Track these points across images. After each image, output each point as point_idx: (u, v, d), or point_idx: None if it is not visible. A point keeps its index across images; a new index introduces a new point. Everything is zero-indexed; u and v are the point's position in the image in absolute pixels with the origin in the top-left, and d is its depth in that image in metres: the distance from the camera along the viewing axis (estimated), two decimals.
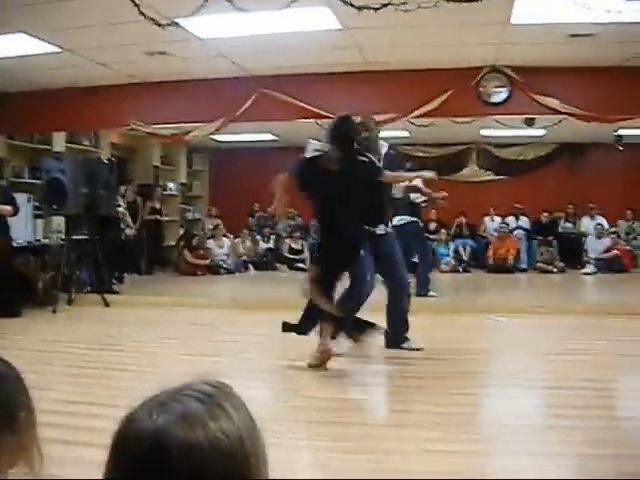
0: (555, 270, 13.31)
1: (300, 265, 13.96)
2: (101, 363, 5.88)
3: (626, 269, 13.20)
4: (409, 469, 3.40)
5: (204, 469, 0.87)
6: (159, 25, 6.65)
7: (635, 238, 14.32)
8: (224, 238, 14.05)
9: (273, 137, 13.89)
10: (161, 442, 0.87)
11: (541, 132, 12.53)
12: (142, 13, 6.30)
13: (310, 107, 9.06)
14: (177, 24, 6.86)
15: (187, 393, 0.94)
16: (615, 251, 13.33)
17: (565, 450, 3.68)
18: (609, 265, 13.14)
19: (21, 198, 9.21)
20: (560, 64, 8.27)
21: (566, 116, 8.61)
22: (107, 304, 9.09)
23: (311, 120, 9.33)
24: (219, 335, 7.71)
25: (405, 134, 13.17)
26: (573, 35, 7.23)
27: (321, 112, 9.04)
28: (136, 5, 6.13)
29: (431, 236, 14.41)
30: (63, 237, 9.30)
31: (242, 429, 0.93)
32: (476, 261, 14.22)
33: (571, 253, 13.88)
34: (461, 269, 13.68)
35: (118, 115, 9.77)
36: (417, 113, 8.81)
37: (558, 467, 3.46)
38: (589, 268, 13.08)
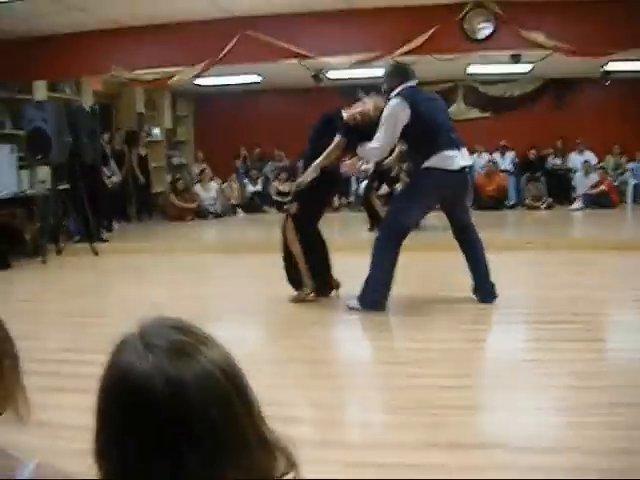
0: (543, 206, 13.33)
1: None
2: (90, 311, 5.92)
3: (614, 204, 13.24)
4: (399, 405, 3.47)
5: (216, 394, 0.90)
6: None
7: (622, 174, 14.33)
8: (211, 182, 13.98)
9: (258, 78, 13.72)
10: (170, 381, 0.88)
11: (528, 68, 12.40)
12: None
13: (294, 48, 8.94)
14: None
15: (163, 330, 0.95)
16: (603, 187, 13.34)
17: (552, 382, 3.75)
18: (597, 201, 13.16)
19: (4, 149, 9.13)
20: None
21: (552, 51, 8.53)
22: (96, 253, 9.10)
23: (295, 61, 9.22)
24: (207, 279, 7.75)
25: None
26: None
27: (305, 53, 8.94)
28: None
29: None
30: (49, 187, 9.24)
31: (230, 365, 0.95)
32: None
33: (559, 189, 13.89)
34: None
35: (99, 61, 9.61)
36: (401, 51, 8.70)
37: (545, 400, 3.53)
38: (577, 204, 13.10)
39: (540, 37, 8.19)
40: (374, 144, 5.30)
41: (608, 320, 5.54)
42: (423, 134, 5.23)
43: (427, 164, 5.22)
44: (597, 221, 11.69)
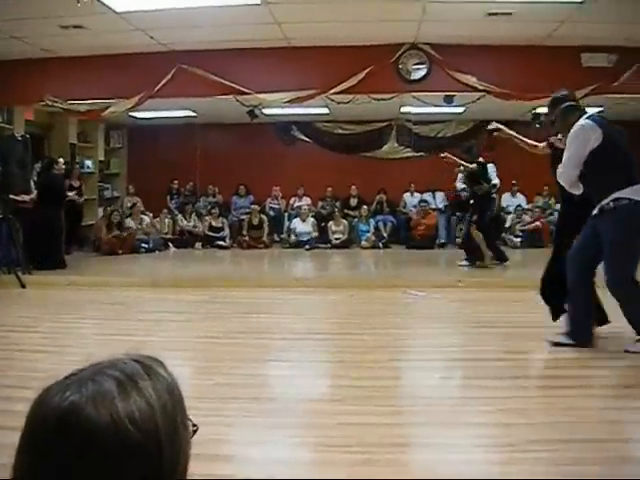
0: None
1: (220, 243, 13.91)
2: (17, 345, 5.74)
3: (544, 244, 13.61)
4: (329, 443, 3.44)
5: (108, 452, 0.85)
6: None
7: (552, 214, 14.71)
8: (143, 216, 13.84)
9: (192, 113, 13.69)
10: (65, 422, 0.85)
11: (460, 109, 12.70)
12: None
13: (229, 83, 8.97)
14: None
15: (107, 372, 0.91)
16: (538, 223, 13.84)
17: (481, 420, 3.77)
18: (531, 240, 13.60)
19: None
20: (479, 42, 8.39)
21: (484, 93, 8.75)
22: (23, 285, 8.86)
23: (230, 96, 9.24)
24: (139, 314, 7.62)
25: (325, 111, 13.18)
26: (491, 14, 7.33)
27: (240, 88, 8.97)
28: None
29: (351, 212, 14.58)
30: None
31: (158, 415, 0.90)
32: (396, 237, 14.39)
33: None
34: (381, 245, 13.82)
35: (33, 90, 9.48)
36: (336, 89, 8.82)
37: (475, 437, 3.55)
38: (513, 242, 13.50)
39: (472, 80, 8.39)
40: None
41: (536, 357, 5.62)
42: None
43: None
44: (528, 260, 11.85)
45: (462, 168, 10.11)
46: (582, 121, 5.04)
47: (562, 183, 5.27)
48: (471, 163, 10.01)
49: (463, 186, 11.35)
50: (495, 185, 10.43)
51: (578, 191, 5.17)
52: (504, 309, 7.45)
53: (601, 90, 8.51)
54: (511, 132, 5.90)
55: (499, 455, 3.31)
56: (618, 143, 5.01)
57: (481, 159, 10.23)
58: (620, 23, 7.48)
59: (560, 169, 5.14)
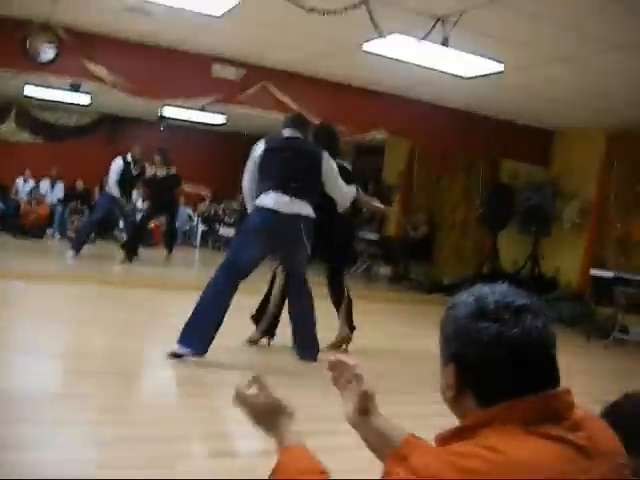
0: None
1: None
2: None
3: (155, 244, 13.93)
4: None
5: None
6: None
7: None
8: None
9: None
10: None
11: (87, 100, 12.32)
12: None
13: None
14: None
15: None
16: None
17: (78, 418, 3.66)
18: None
19: None
20: (117, 35, 8.22)
21: (111, 86, 8.57)
22: None
23: None
24: None
25: None
26: (131, 9, 7.19)
27: None
28: None
29: None
30: None
31: None
32: (5, 224, 13.53)
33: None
34: None
35: None
36: None
37: (70, 435, 3.43)
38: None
39: (102, 71, 8.18)
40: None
41: (132, 354, 5.63)
42: None
43: None
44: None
45: None
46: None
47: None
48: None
49: None
50: None
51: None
52: (99, 304, 7.39)
53: (226, 100, 8.85)
54: None
55: (97, 453, 3.24)
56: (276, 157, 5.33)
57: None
58: (251, 40, 7.85)
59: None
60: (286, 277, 5.63)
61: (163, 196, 11.55)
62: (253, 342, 5.87)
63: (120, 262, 10.78)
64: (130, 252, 10.87)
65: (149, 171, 11.36)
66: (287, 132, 5.46)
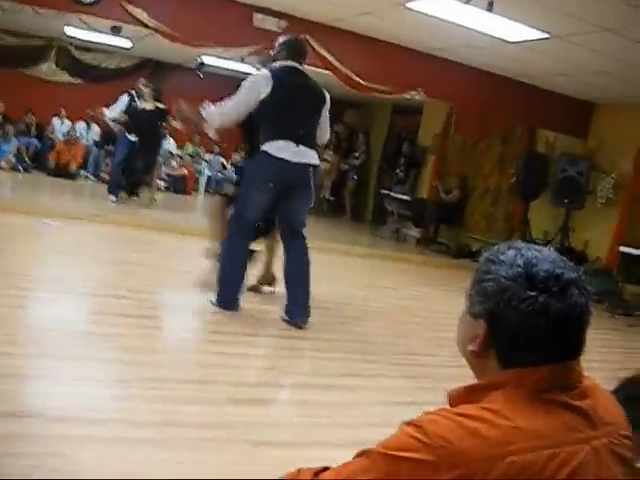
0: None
1: None
2: None
3: (188, 191, 13.97)
4: None
5: None
6: None
7: (199, 162, 15.10)
8: None
9: None
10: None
11: (128, 44, 12.34)
12: None
13: None
14: None
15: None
16: (184, 170, 14.10)
17: (100, 355, 3.73)
18: (175, 186, 13.78)
19: None
20: None
21: (153, 32, 8.54)
22: None
23: None
24: None
25: None
26: None
27: None
28: None
29: None
30: None
31: None
32: (39, 162, 13.62)
33: None
34: (22, 169, 12.97)
35: None
36: None
37: (94, 371, 3.50)
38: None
39: (143, 15, 8.16)
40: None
41: (160, 299, 5.70)
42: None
43: None
44: (171, 206, 11.90)
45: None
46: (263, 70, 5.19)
47: (212, 121, 5.29)
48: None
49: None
50: None
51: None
52: (137, 248, 7.47)
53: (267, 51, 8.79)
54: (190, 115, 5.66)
55: (113, 391, 3.30)
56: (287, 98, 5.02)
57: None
58: None
59: (220, 109, 5.10)
60: (283, 230, 5.34)
61: (149, 130, 11.28)
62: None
63: (145, 205, 10.82)
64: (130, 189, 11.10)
65: (139, 104, 11.02)
66: (291, 64, 5.14)
